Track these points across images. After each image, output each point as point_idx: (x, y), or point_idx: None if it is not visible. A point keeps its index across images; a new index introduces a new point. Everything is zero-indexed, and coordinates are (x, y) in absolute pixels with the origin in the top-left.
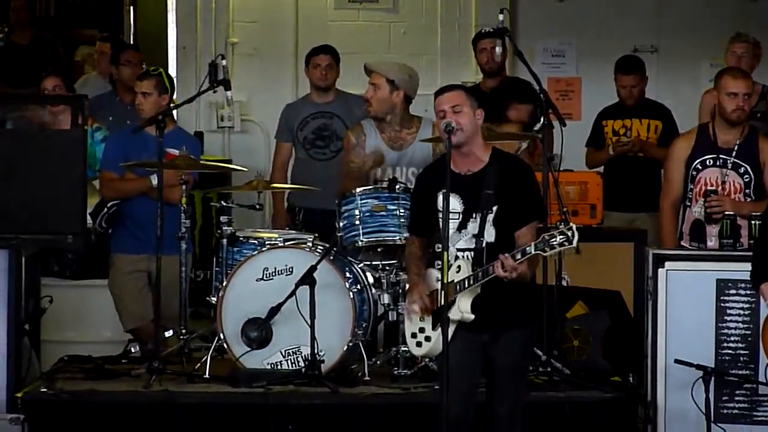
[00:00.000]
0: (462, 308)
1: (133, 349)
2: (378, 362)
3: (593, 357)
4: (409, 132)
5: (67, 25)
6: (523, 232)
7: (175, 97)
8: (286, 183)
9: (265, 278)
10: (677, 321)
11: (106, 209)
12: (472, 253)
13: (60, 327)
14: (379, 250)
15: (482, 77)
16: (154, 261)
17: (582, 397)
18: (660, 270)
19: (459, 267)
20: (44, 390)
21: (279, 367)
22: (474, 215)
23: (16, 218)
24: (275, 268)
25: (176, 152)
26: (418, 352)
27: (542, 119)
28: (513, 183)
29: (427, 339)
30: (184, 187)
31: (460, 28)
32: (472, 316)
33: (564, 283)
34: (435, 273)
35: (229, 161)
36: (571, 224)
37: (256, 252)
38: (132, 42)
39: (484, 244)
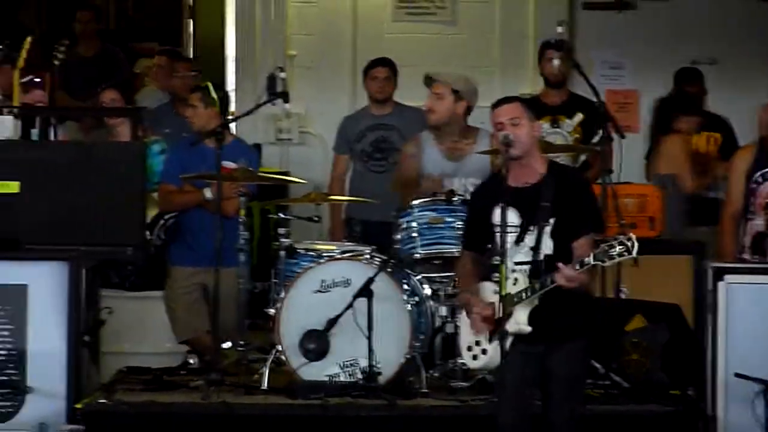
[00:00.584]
0: (519, 320)
1: (191, 361)
2: (435, 374)
3: (652, 370)
4: (467, 143)
5: (127, 38)
6: (580, 243)
7: (233, 109)
8: (344, 195)
9: (322, 290)
10: (737, 334)
11: (162, 221)
12: (530, 266)
13: (119, 338)
14: (436, 262)
15: (543, 88)
16: (210, 273)
17: (640, 411)
18: (719, 283)
19: (516, 280)
20: (103, 401)
21: (336, 379)
22: (531, 228)
23: (75, 230)
24: (333, 280)
25: (233, 165)
26: (474, 365)
27: (600, 132)
28: (570, 194)
29: (484, 352)
30: (242, 199)
31: (519, 40)
32: (529, 329)
33: (623, 295)
34: (491, 286)
35: (288, 173)
36: (630, 235)
37: (313, 264)
38: (192, 55)
39: (541, 257)
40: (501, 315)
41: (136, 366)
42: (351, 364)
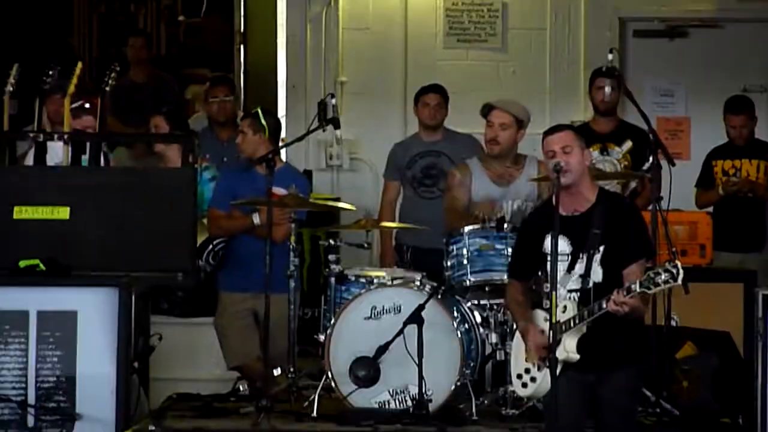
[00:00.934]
0: (568, 348)
1: (241, 387)
2: (486, 402)
3: (703, 398)
4: (516, 168)
5: (179, 64)
6: (631, 270)
7: (284, 135)
8: (394, 221)
9: (373, 317)
10: None
11: (211, 246)
12: (581, 293)
13: (169, 365)
14: (486, 289)
15: (593, 116)
16: (261, 299)
17: None
18: None
19: (565, 307)
20: (153, 428)
21: (387, 406)
22: (581, 255)
23: (126, 256)
24: (383, 307)
25: (283, 191)
26: (523, 393)
27: (651, 159)
28: (620, 222)
29: (533, 380)
30: (292, 225)
31: (569, 68)
32: (578, 356)
33: (673, 323)
34: (542, 313)
35: (338, 199)
36: (676, 262)
37: (364, 290)
38: (243, 81)
39: (590, 284)
40: (552, 342)
41: (186, 392)
42: (401, 391)
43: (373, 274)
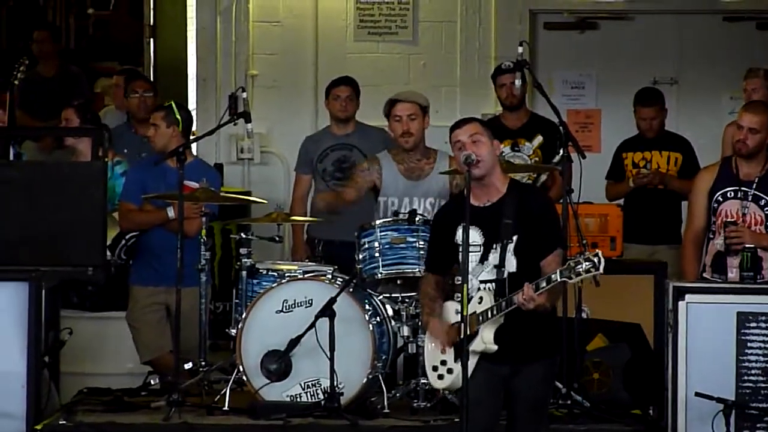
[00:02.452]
0: (485, 339)
1: (152, 381)
2: (397, 395)
3: (613, 390)
4: (427, 162)
5: (88, 57)
6: (548, 261)
7: (195, 129)
8: (306, 215)
9: (284, 310)
10: (697, 354)
11: (124, 241)
12: (495, 284)
13: (79, 359)
14: (398, 282)
15: (502, 111)
16: (172, 293)
17: (602, 430)
18: (680, 302)
19: (481, 298)
20: (63, 422)
21: (298, 399)
22: (494, 246)
23: (36, 250)
24: (295, 301)
25: (195, 185)
26: (439, 384)
27: (561, 151)
28: (532, 211)
29: (450, 371)
30: (204, 219)
31: (480, 60)
32: (495, 347)
33: (584, 315)
34: (454, 305)
35: (249, 193)
36: (597, 251)
37: (275, 284)
38: (153, 74)
39: (505, 275)
40: (464, 335)
41: (97, 387)
42: (313, 385)
43: (285, 267)
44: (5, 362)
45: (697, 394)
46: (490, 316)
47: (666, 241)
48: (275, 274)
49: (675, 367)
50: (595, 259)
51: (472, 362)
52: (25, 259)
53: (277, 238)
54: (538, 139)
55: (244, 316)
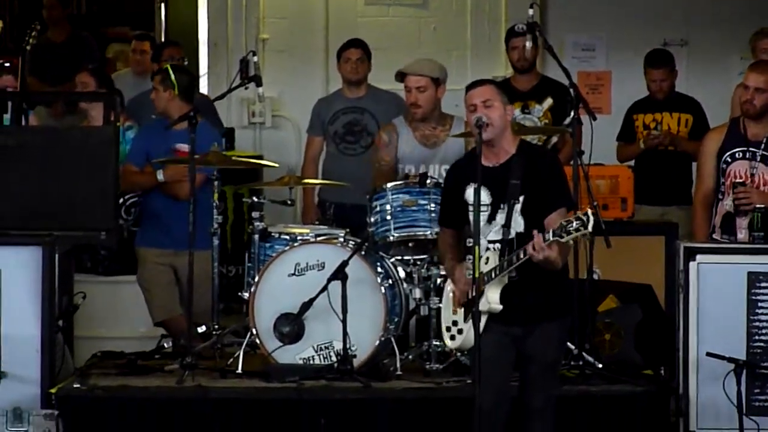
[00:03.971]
0: (490, 299)
1: (166, 345)
2: (410, 357)
3: (625, 350)
4: (443, 129)
5: (99, 22)
6: (552, 218)
7: (206, 93)
8: (317, 177)
9: (297, 274)
10: (708, 314)
11: (122, 200)
12: (502, 243)
13: (93, 323)
14: (410, 244)
15: (513, 73)
16: (179, 256)
17: (614, 391)
18: (691, 263)
19: (487, 258)
20: (78, 386)
21: (311, 362)
22: (502, 206)
23: (49, 215)
24: (307, 264)
25: (186, 147)
26: (451, 344)
27: (572, 113)
28: (539, 171)
29: (460, 332)
30: (216, 183)
31: (490, 23)
32: (500, 307)
33: (595, 276)
34: (466, 266)
35: (261, 157)
36: (587, 210)
37: (288, 247)
38: (164, 39)
39: (512, 234)
40: (476, 295)
41: (110, 350)
42: (325, 347)
43: (297, 231)
44: (20, 327)
45: (709, 354)
46: (494, 276)
47: (677, 202)
48: (287, 237)
49: (686, 328)
50: (584, 218)
51: (481, 323)
52: (38, 224)
53: (289, 202)
54: (548, 102)
55: (256, 279)
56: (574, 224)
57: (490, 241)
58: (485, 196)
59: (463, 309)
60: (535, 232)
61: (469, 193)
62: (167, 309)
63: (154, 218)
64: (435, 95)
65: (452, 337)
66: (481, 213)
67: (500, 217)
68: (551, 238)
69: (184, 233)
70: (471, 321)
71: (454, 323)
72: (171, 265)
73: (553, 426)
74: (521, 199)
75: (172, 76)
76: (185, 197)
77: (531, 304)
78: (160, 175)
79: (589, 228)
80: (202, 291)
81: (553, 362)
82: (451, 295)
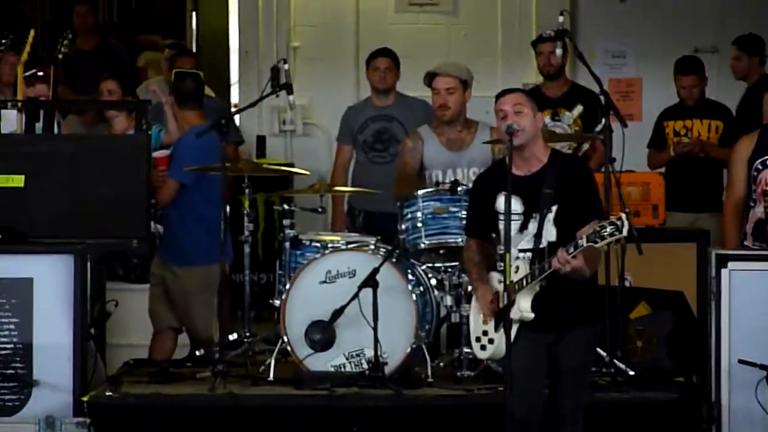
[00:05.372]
0: (522, 308)
1: (198, 353)
2: (441, 364)
3: (657, 358)
4: (468, 133)
5: (130, 31)
6: (583, 231)
7: (237, 101)
8: (347, 185)
9: (328, 281)
10: (740, 321)
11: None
12: (533, 253)
13: (125, 331)
14: (441, 252)
15: (543, 81)
16: (168, 270)
17: (646, 398)
18: (723, 270)
19: (517, 267)
20: (110, 394)
21: (343, 369)
22: (534, 215)
23: (81, 223)
24: (338, 271)
25: (164, 153)
26: (482, 355)
27: (603, 120)
28: (572, 182)
29: (491, 341)
30: (247, 191)
31: (521, 30)
32: (532, 315)
33: (627, 283)
34: (497, 275)
35: (292, 165)
36: (621, 215)
37: (319, 255)
38: (195, 47)
39: (544, 244)
40: (507, 303)
41: (142, 358)
42: (357, 355)
43: (328, 238)
44: (52, 335)
45: (741, 361)
46: (525, 284)
47: (708, 209)
48: (318, 244)
49: (718, 335)
50: (618, 222)
51: (512, 331)
52: (70, 232)
53: (319, 209)
54: (579, 109)
55: (287, 286)
56: (608, 229)
57: (521, 250)
58: (517, 205)
59: (493, 319)
60: (560, 248)
61: (501, 202)
62: (155, 321)
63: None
64: (463, 98)
65: (483, 347)
66: (514, 222)
67: (532, 227)
68: (585, 244)
69: (174, 246)
70: (502, 330)
71: (485, 333)
72: (161, 276)
73: None
74: (554, 208)
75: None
76: (162, 203)
77: (562, 310)
78: None
79: (624, 232)
80: (189, 310)
81: (583, 368)
82: (474, 322)
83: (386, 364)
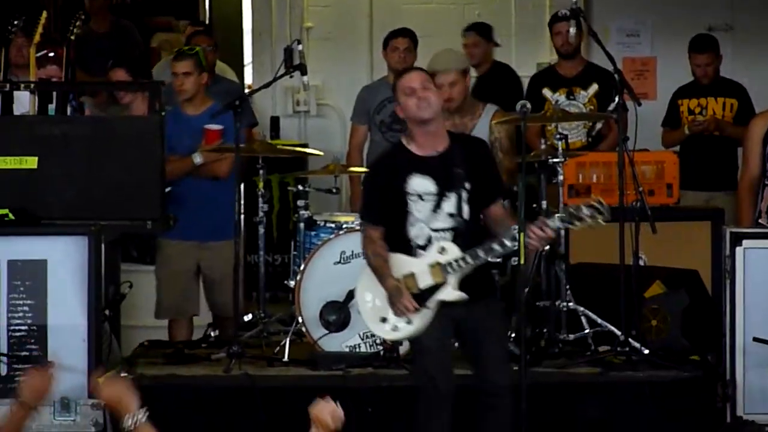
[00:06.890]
0: (456, 288)
1: (212, 334)
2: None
3: (671, 336)
4: (472, 118)
5: (143, 12)
6: (496, 209)
7: (250, 82)
8: (362, 165)
9: (342, 261)
10: (755, 299)
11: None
12: (452, 232)
13: (140, 312)
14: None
15: (558, 59)
16: (204, 249)
17: (661, 377)
18: (737, 248)
19: (443, 248)
20: (125, 375)
21: (357, 349)
22: (447, 194)
23: (95, 205)
24: (353, 252)
25: (218, 127)
26: (393, 336)
27: (617, 99)
28: (479, 161)
29: (409, 322)
30: (261, 172)
31: (534, 9)
32: (466, 296)
33: (641, 262)
34: (403, 258)
35: (306, 145)
36: (598, 197)
37: (333, 235)
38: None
39: (463, 223)
40: (434, 284)
41: (157, 339)
42: (371, 335)
43: (342, 219)
44: (66, 316)
45: (755, 339)
46: (464, 265)
47: (722, 188)
48: (333, 225)
49: (733, 313)
50: (600, 206)
51: (434, 310)
52: (84, 213)
53: (334, 190)
54: (594, 88)
55: (302, 267)
56: (585, 210)
57: (434, 229)
58: (431, 185)
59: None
60: (542, 222)
61: (416, 183)
62: (174, 310)
63: (177, 208)
64: (465, 85)
65: (395, 328)
66: (427, 202)
67: (447, 206)
68: (559, 226)
69: (211, 223)
70: (421, 311)
71: (383, 320)
72: (194, 258)
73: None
74: (468, 186)
75: (203, 60)
76: (225, 175)
77: (472, 284)
78: (197, 158)
79: (606, 215)
80: (228, 283)
81: (502, 331)
82: (377, 302)
83: (401, 344)
